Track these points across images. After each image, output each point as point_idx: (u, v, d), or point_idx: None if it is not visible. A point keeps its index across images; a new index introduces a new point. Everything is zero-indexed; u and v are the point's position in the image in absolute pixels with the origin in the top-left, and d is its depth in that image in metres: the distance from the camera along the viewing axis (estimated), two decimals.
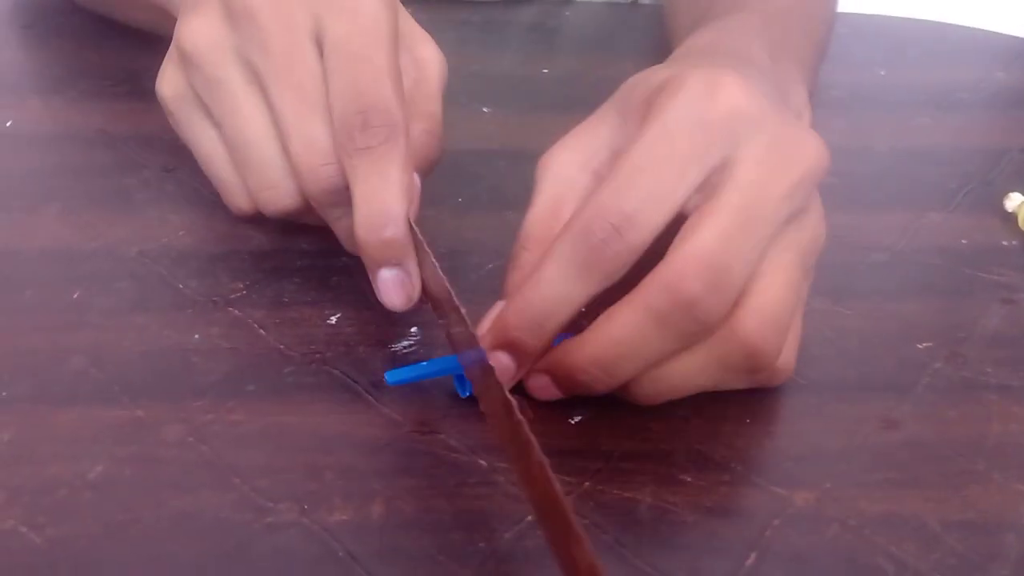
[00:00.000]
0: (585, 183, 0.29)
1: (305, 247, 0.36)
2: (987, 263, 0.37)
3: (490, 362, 0.26)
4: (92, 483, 0.27)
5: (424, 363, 0.30)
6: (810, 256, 0.29)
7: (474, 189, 0.40)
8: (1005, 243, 0.39)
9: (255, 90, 0.31)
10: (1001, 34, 0.55)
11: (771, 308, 0.27)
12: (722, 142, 0.27)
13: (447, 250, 0.36)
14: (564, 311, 0.27)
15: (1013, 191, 0.40)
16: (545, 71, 0.49)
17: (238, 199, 0.34)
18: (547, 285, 0.27)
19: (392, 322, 0.33)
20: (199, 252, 0.36)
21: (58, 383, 0.30)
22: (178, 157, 0.38)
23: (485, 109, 0.46)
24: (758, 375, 0.29)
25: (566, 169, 0.29)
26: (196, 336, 0.32)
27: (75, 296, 0.33)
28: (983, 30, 0.55)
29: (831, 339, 0.33)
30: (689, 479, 0.28)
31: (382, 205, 0.30)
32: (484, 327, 0.29)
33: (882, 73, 0.51)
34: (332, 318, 0.33)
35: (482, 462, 0.28)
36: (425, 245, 0.30)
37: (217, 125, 0.33)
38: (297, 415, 0.29)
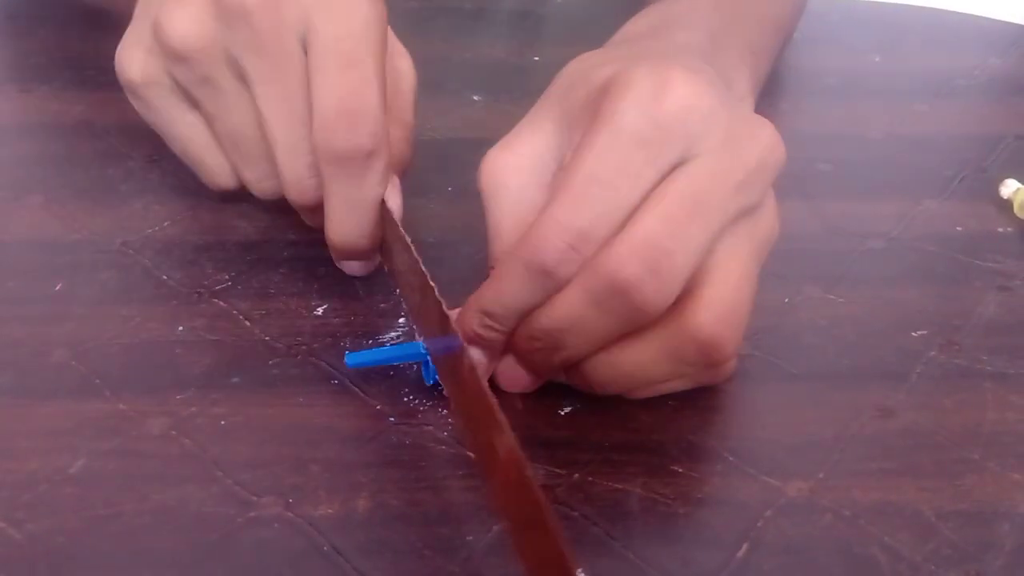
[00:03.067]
0: (539, 199, 0.28)
1: (292, 238, 0.36)
2: (983, 250, 0.37)
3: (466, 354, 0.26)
4: (73, 477, 0.27)
5: (387, 347, 0.29)
6: (763, 250, 0.29)
7: (465, 178, 0.39)
8: (1001, 230, 0.38)
9: (245, 89, 0.31)
10: (997, 20, 0.55)
11: (727, 301, 0.27)
12: (675, 144, 0.26)
13: (437, 239, 0.36)
14: (519, 314, 0.27)
15: (1009, 178, 0.40)
16: (536, 59, 0.49)
17: (221, 178, 0.34)
18: (505, 298, 0.27)
19: (379, 313, 0.33)
20: (183, 243, 0.35)
21: (39, 376, 0.30)
22: (163, 148, 0.37)
23: (476, 97, 0.45)
24: (713, 370, 0.28)
25: (515, 180, 0.28)
26: (180, 328, 0.31)
27: (57, 288, 0.33)
28: (978, 16, 0.55)
29: (825, 327, 0.33)
30: (680, 470, 0.28)
31: (358, 218, 0.31)
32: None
33: (877, 60, 0.50)
34: (319, 309, 0.33)
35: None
36: (400, 229, 0.30)
37: (207, 117, 0.33)
38: (282, 407, 0.29)
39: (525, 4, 0.54)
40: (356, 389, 0.30)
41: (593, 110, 0.27)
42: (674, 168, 0.27)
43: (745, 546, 0.26)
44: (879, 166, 0.42)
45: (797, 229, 0.38)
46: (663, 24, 0.35)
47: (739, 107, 0.29)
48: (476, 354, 0.28)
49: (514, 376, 0.29)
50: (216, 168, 0.34)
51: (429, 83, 0.46)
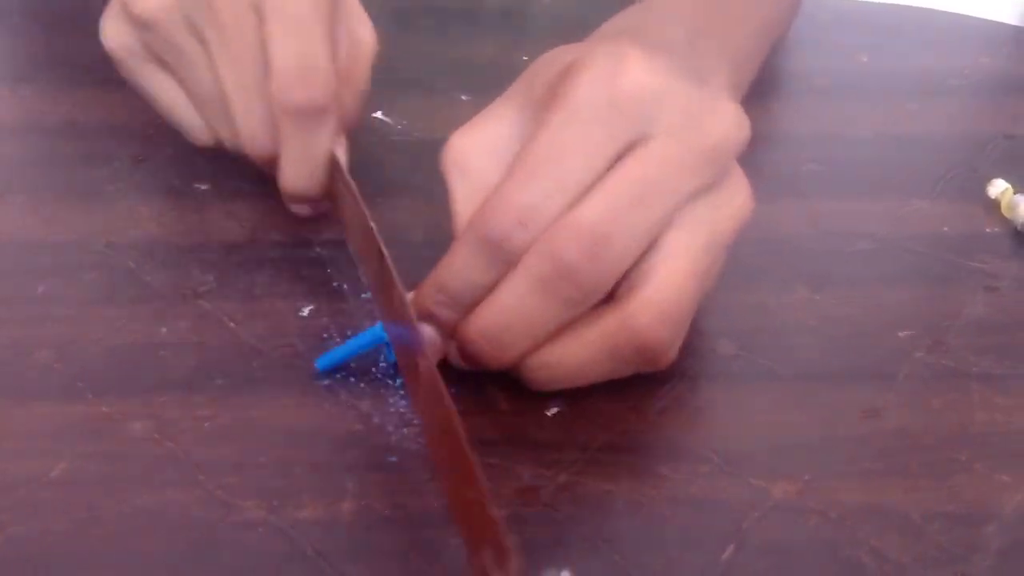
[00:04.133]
0: (499, 180, 0.28)
1: (277, 238, 0.35)
2: (971, 250, 0.37)
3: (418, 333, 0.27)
4: (55, 481, 0.26)
5: (349, 341, 0.29)
6: (723, 236, 0.28)
7: None
8: (989, 230, 0.38)
9: (203, 52, 0.33)
10: (986, 20, 0.55)
11: (667, 302, 0.26)
12: (629, 123, 0.26)
13: (424, 239, 0.36)
14: (476, 291, 0.27)
15: (996, 178, 0.40)
16: (524, 58, 0.48)
17: (200, 136, 0.36)
18: (457, 271, 0.27)
19: (365, 314, 0.32)
20: (168, 244, 0.35)
21: (22, 378, 0.29)
22: (148, 148, 0.37)
23: (464, 97, 0.45)
24: (651, 366, 0.28)
25: (476, 161, 0.28)
26: (164, 330, 0.31)
27: (40, 289, 0.33)
28: (968, 16, 0.55)
29: (813, 327, 0.33)
30: (666, 471, 0.28)
31: (310, 170, 0.33)
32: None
33: (866, 60, 0.50)
34: (304, 310, 0.32)
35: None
36: (352, 185, 0.32)
37: (179, 80, 0.34)
38: (266, 410, 0.29)
39: (513, 3, 0.53)
40: (341, 391, 0.29)
41: (552, 91, 0.27)
42: (630, 147, 0.26)
43: (731, 548, 0.26)
44: (868, 166, 0.42)
45: (786, 229, 0.38)
46: (640, 23, 0.35)
47: (702, 88, 0.28)
48: (429, 332, 0.28)
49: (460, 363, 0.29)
50: (194, 127, 0.35)
51: (417, 82, 0.46)
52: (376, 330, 0.29)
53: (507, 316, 0.27)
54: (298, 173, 0.33)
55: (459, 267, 0.27)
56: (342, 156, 0.33)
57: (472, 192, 0.28)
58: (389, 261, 0.28)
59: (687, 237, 0.27)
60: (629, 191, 0.26)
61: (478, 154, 0.28)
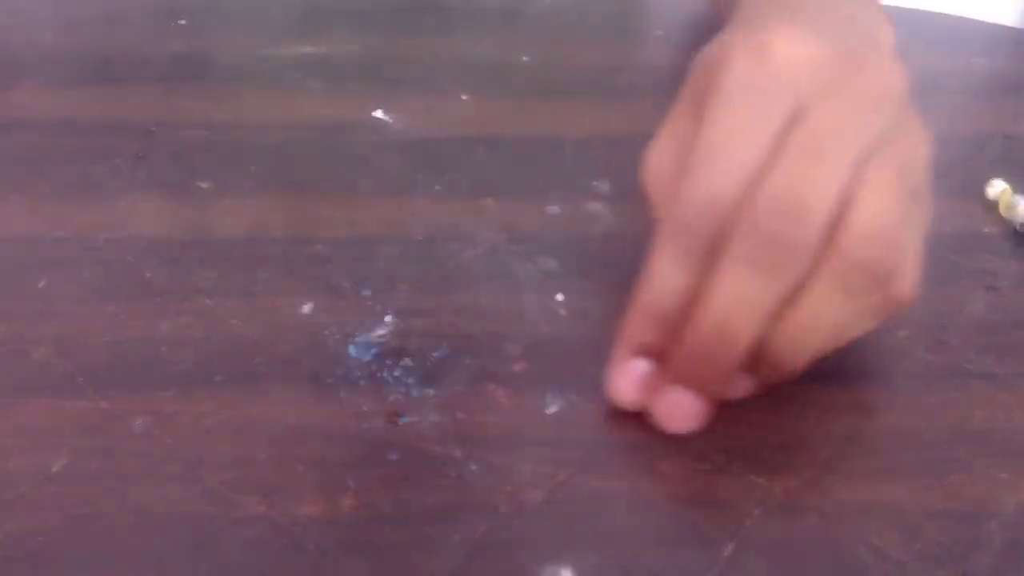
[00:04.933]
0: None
1: (277, 236, 0.35)
2: (970, 250, 0.37)
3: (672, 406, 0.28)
4: (54, 476, 0.26)
5: None
6: (916, 175, 0.28)
7: (453, 176, 0.39)
8: (987, 230, 0.38)
9: None
10: (982, 21, 0.55)
11: (874, 220, 0.26)
12: (786, 93, 0.27)
13: (424, 237, 0.36)
14: (678, 299, 0.27)
15: (995, 178, 0.40)
16: (525, 58, 0.49)
17: None
18: (655, 280, 0.27)
19: (366, 312, 0.32)
20: (169, 241, 0.35)
21: (22, 374, 0.29)
22: (149, 145, 0.37)
23: (464, 96, 0.45)
24: (884, 294, 0.27)
25: (667, 170, 0.29)
26: (164, 326, 0.31)
27: (41, 285, 0.33)
28: (964, 17, 0.55)
29: None
30: (666, 469, 0.28)
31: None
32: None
33: None
34: (305, 307, 0.32)
35: (456, 453, 0.28)
36: None
37: None
38: (267, 406, 0.29)
39: (514, 3, 0.54)
40: (342, 388, 0.29)
41: (708, 84, 0.28)
42: (795, 117, 0.27)
43: (731, 545, 0.26)
44: None
45: None
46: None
47: (850, 41, 0.28)
48: (642, 367, 0.28)
49: (682, 406, 0.28)
50: None
51: (418, 81, 0.46)
52: None
53: (727, 305, 0.26)
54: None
55: (658, 276, 0.27)
56: None
57: (669, 200, 0.28)
58: None
59: (877, 173, 0.27)
60: (805, 151, 0.26)
61: (667, 164, 0.29)
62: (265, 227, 0.36)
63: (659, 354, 0.28)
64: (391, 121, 0.42)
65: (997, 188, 0.39)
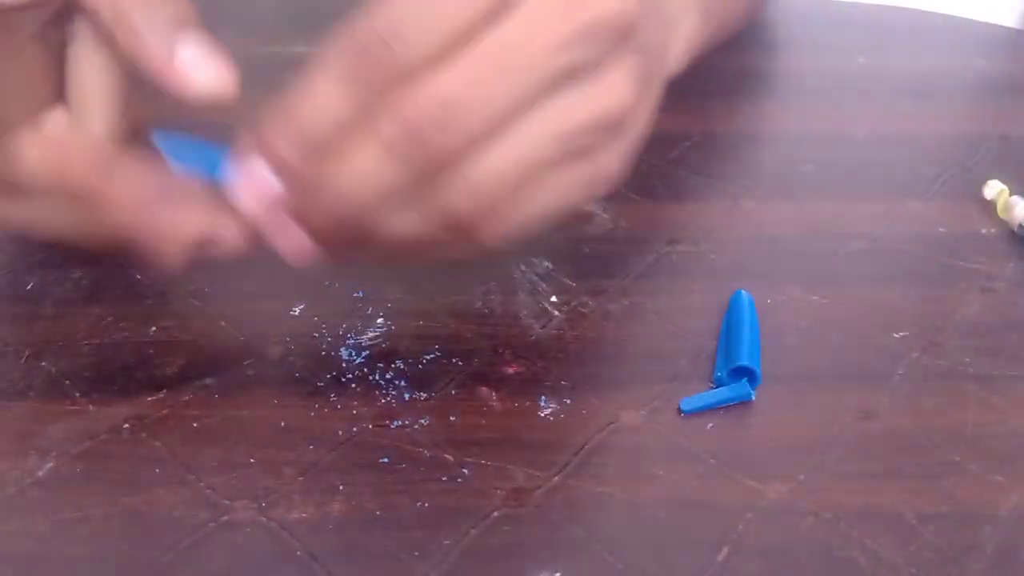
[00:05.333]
0: None
1: None
2: (966, 251, 0.37)
3: (249, 173, 0.24)
4: (41, 480, 0.26)
5: (716, 391, 0.30)
6: (582, 131, 0.25)
7: None
8: (984, 231, 0.38)
9: None
10: (981, 22, 0.55)
11: (486, 182, 0.24)
12: None
13: None
14: (327, 123, 0.24)
15: (992, 179, 0.40)
16: None
17: None
18: (312, 91, 0.24)
19: (358, 314, 0.32)
20: None
21: (8, 376, 0.29)
22: (138, 145, 0.36)
23: None
24: (462, 242, 0.25)
25: None
26: (153, 328, 0.31)
27: (28, 286, 0.32)
28: (963, 18, 0.55)
29: (807, 328, 0.33)
30: (660, 472, 0.27)
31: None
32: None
33: (862, 60, 0.50)
34: (295, 309, 0.32)
35: (447, 457, 0.27)
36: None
37: None
38: (256, 409, 0.28)
39: None
40: (332, 391, 0.29)
41: None
42: (505, 5, 0.24)
43: (726, 549, 0.25)
44: (863, 167, 0.42)
45: (780, 229, 0.37)
46: None
47: None
48: (262, 171, 0.25)
49: (303, 246, 0.26)
50: None
51: None
52: (743, 387, 0.29)
53: (361, 179, 0.24)
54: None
55: (316, 92, 0.24)
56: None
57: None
58: None
59: (538, 124, 0.25)
60: (490, 61, 0.24)
61: None
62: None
63: (286, 172, 0.25)
64: None
65: (994, 189, 0.39)
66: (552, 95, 0.25)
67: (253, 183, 0.25)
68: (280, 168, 0.25)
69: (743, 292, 0.33)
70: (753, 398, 0.30)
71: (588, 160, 0.26)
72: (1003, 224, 0.38)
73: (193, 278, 0.33)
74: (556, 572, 0.25)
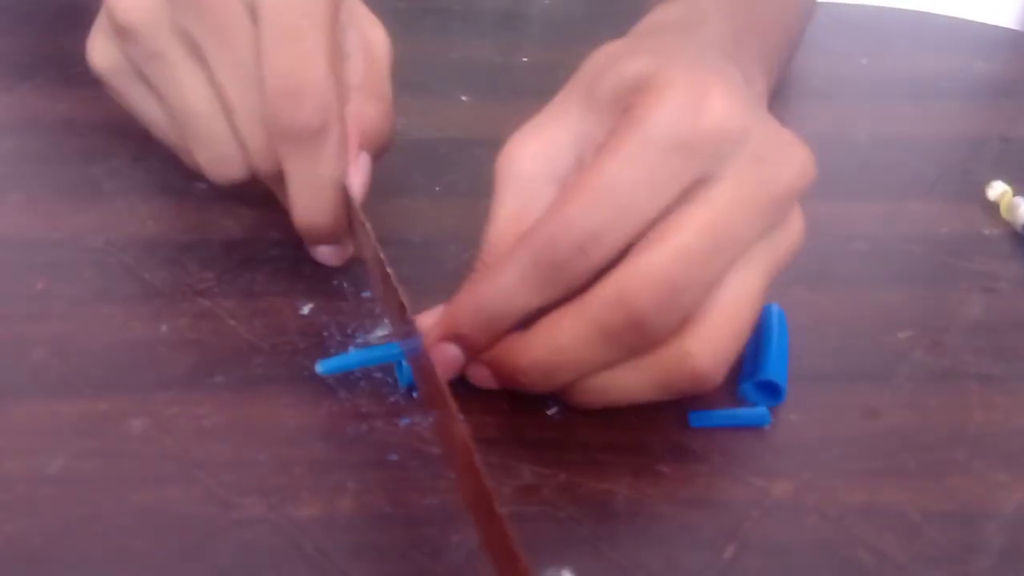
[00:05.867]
0: (550, 194, 0.27)
1: (277, 236, 0.35)
2: (968, 251, 0.37)
3: (436, 352, 0.26)
4: (52, 478, 0.26)
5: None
6: (780, 267, 0.28)
7: (452, 178, 0.39)
8: (986, 231, 0.38)
9: (196, 62, 0.30)
10: (982, 23, 0.55)
11: (725, 339, 0.26)
12: (703, 160, 0.26)
13: (424, 239, 0.36)
14: (516, 315, 0.27)
15: (995, 180, 0.40)
16: (524, 60, 0.49)
17: (190, 163, 0.33)
18: (503, 291, 0.26)
19: (366, 313, 0.32)
20: (167, 241, 0.35)
21: (19, 375, 0.29)
22: (148, 146, 0.37)
23: (464, 97, 0.45)
24: (692, 394, 0.28)
25: (529, 169, 0.27)
26: (163, 327, 0.31)
27: (39, 286, 0.33)
28: (964, 19, 0.55)
29: (810, 328, 0.33)
30: (666, 470, 0.28)
31: (315, 198, 0.30)
32: (429, 320, 0.28)
33: (863, 62, 0.50)
34: (304, 308, 0.32)
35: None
36: (361, 215, 0.29)
37: (159, 96, 0.31)
38: (266, 407, 0.29)
39: (513, 5, 0.54)
40: (341, 389, 0.29)
41: (623, 107, 0.26)
42: (698, 183, 0.26)
43: (731, 547, 0.26)
44: (864, 168, 0.42)
45: None
46: (690, 17, 0.33)
47: (770, 122, 0.27)
48: (453, 351, 0.27)
49: (485, 377, 0.28)
50: (184, 154, 0.33)
51: (416, 83, 0.46)
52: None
53: (565, 356, 0.26)
54: (304, 203, 0.30)
55: (505, 289, 0.26)
56: (356, 183, 0.30)
57: (517, 197, 0.27)
58: (399, 289, 0.27)
59: (750, 277, 0.26)
60: (699, 236, 0.25)
61: (532, 162, 0.27)
62: (264, 228, 0.36)
63: (473, 352, 0.28)
64: None
65: (997, 190, 0.39)
66: (753, 253, 0.27)
67: (443, 360, 0.28)
68: (466, 347, 0.27)
69: (775, 306, 0.32)
70: (768, 424, 0.29)
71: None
72: (1005, 225, 0.38)
73: (202, 277, 0.33)
74: (563, 569, 0.25)
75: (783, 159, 0.27)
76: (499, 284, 0.26)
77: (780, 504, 0.27)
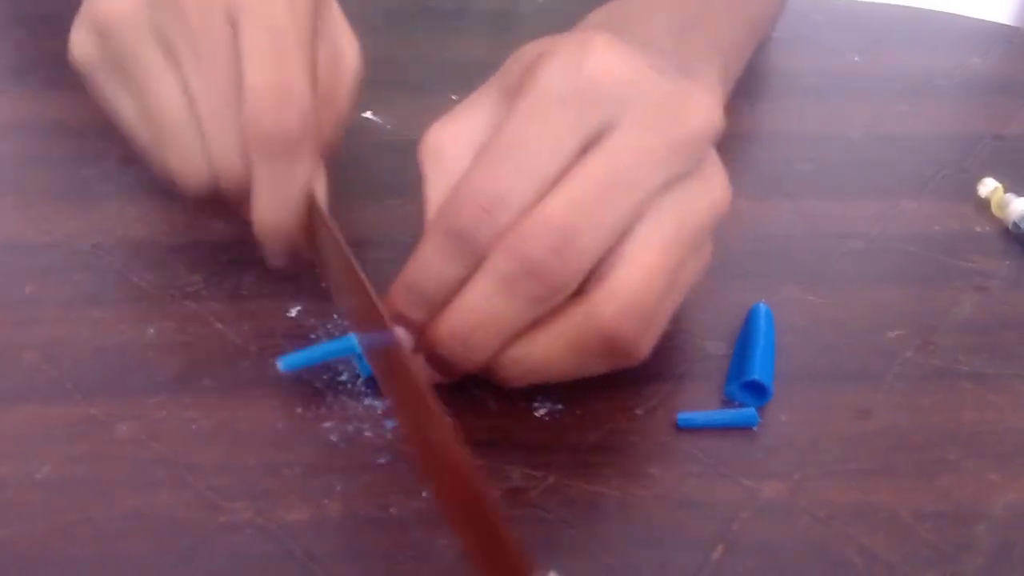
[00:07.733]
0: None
1: None
2: (961, 250, 0.37)
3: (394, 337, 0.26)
4: (41, 482, 0.26)
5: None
6: (697, 227, 0.27)
7: None
8: (979, 229, 0.38)
9: (172, 66, 0.30)
10: (977, 20, 0.55)
11: (633, 293, 0.26)
12: (595, 110, 0.26)
13: (414, 240, 0.35)
14: (441, 288, 0.27)
15: (987, 177, 0.40)
16: None
17: (157, 164, 0.32)
18: (423, 265, 0.27)
19: None
20: (156, 244, 0.35)
21: (9, 379, 0.29)
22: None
23: (454, 97, 0.45)
24: (624, 360, 0.27)
25: (451, 150, 0.28)
26: (151, 330, 0.31)
27: (28, 290, 0.32)
28: (959, 16, 0.55)
29: (803, 327, 0.33)
30: (656, 472, 0.28)
31: (285, 204, 0.30)
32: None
33: (857, 59, 0.50)
34: (292, 311, 0.32)
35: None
36: (330, 220, 0.29)
37: (133, 96, 0.31)
38: (254, 411, 0.29)
39: (505, 4, 0.53)
40: (329, 393, 0.29)
41: (520, 81, 0.27)
42: (598, 137, 0.26)
43: (721, 547, 0.26)
44: (859, 166, 0.42)
45: (776, 229, 0.38)
46: (624, 16, 0.34)
47: (676, 79, 0.27)
48: (402, 334, 0.27)
49: (424, 368, 0.28)
50: (154, 157, 0.32)
51: (408, 82, 0.45)
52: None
53: (476, 316, 0.26)
54: (271, 207, 0.30)
55: (427, 262, 0.26)
56: (320, 192, 0.31)
57: (445, 182, 0.27)
58: (363, 276, 0.27)
59: (656, 229, 0.26)
60: (596, 184, 0.25)
61: (453, 144, 0.28)
62: (251, 230, 0.35)
63: (413, 329, 0.28)
64: (382, 123, 0.42)
65: (989, 187, 0.39)
66: (660, 204, 0.26)
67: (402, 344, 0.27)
68: (408, 327, 0.27)
69: (762, 305, 0.32)
70: (757, 425, 0.29)
71: (702, 250, 0.28)
72: (997, 222, 0.38)
73: (190, 280, 0.33)
74: (552, 571, 0.25)
75: (688, 107, 0.26)
76: (419, 258, 0.27)
77: (770, 505, 0.27)
